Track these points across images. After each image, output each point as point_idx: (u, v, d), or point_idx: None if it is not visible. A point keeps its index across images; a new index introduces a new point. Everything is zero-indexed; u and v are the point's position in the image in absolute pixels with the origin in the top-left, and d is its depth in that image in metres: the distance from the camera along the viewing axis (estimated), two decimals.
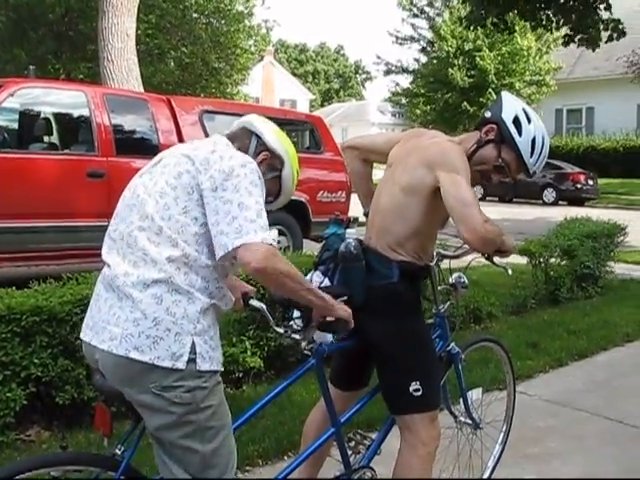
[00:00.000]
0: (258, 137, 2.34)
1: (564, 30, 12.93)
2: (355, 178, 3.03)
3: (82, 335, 2.12)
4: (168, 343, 1.97)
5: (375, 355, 2.65)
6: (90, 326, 2.09)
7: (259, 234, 2.00)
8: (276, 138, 2.36)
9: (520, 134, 2.57)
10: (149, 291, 1.99)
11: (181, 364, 1.98)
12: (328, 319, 2.32)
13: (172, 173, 2.10)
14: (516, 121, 2.58)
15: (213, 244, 2.04)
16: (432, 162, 2.49)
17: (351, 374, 2.86)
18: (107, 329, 2.01)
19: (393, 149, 2.77)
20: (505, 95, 2.71)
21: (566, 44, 12.91)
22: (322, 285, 2.58)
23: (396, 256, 2.58)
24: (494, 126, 2.60)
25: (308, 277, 2.63)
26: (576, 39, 12.45)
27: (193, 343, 2.00)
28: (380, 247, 2.60)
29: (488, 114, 2.66)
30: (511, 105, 2.63)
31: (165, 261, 2.00)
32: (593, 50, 12.58)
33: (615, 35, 12.11)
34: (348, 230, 2.63)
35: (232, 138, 2.31)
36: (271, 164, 2.33)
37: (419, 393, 2.54)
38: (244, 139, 2.33)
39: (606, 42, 12.22)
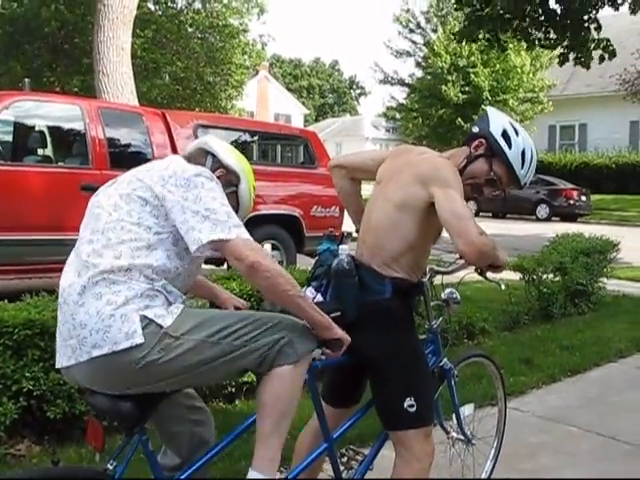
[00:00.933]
0: (213, 156, 2.41)
1: (558, 49, 13.01)
2: (344, 196, 3.03)
3: (56, 365, 2.13)
4: (117, 327, 1.98)
5: (369, 371, 2.65)
6: (58, 352, 2.12)
7: (233, 231, 2.05)
8: (230, 155, 2.44)
9: (510, 147, 2.60)
10: (88, 292, 2.02)
11: (139, 338, 1.98)
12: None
13: (126, 189, 2.16)
14: (504, 134, 2.61)
15: (183, 241, 2.08)
16: (425, 178, 2.50)
17: (344, 391, 2.85)
18: (67, 345, 2.04)
19: (382, 166, 2.78)
20: (490, 110, 2.75)
21: (562, 63, 12.98)
22: (315, 301, 2.59)
23: (390, 272, 2.58)
24: (483, 140, 2.63)
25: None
26: (570, 58, 12.54)
27: (141, 316, 2.01)
28: (374, 263, 2.59)
29: (476, 129, 2.69)
30: (498, 119, 2.67)
31: (106, 266, 2.03)
32: (587, 68, 12.66)
33: (607, 56, 12.21)
34: (341, 246, 2.63)
35: (188, 158, 2.36)
36: (228, 180, 2.40)
37: (413, 409, 2.53)
38: (200, 158, 2.39)
39: (599, 63, 12.32)
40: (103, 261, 2.04)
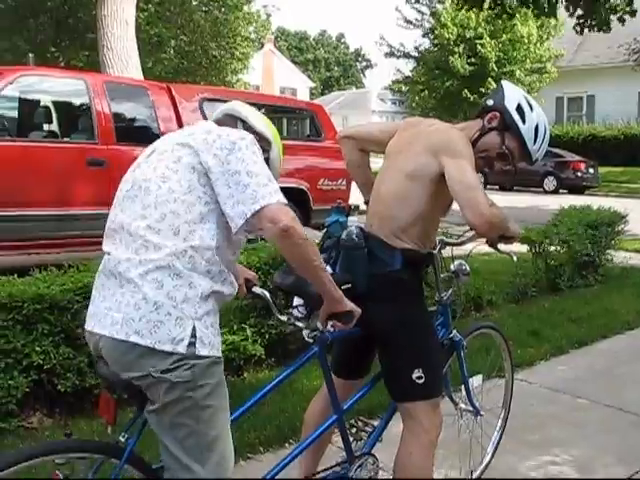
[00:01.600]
0: (243, 122, 2.36)
1: (573, 17, 12.82)
2: (353, 168, 2.99)
3: (86, 325, 2.12)
4: (169, 327, 1.97)
5: (378, 342, 2.66)
6: (92, 315, 2.09)
7: (274, 196, 2.03)
8: (261, 121, 2.39)
9: (524, 122, 2.59)
10: (150, 276, 1.99)
11: (181, 348, 1.98)
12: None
13: (171, 158, 2.12)
14: (519, 109, 2.60)
15: (228, 218, 2.04)
16: (436, 148, 2.50)
17: (352, 362, 2.86)
18: (109, 315, 2.01)
19: (392, 139, 2.77)
20: (506, 84, 2.73)
21: (580, 32, 12.79)
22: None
23: (399, 243, 2.57)
24: (497, 114, 2.62)
25: None
26: (586, 26, 12.36)
27: (194, 327, 2.00)
28: (383, 234, 2.59)
29: (490, 102, 2.67)
30: (513, 93, 2.65)
31: (167, 247, 2.00)
32: (607, 32, 12.45)
33: (629, 16, 12.01)
34: (349, 218, 2.63)
35: (219, 124, 2.31)
36: (260, 146, 2.31)
37: (422, 380, 2.54)
38: (231, 125, 2.33)
39: (621, 24, 12.11)
40: (162, 242, 2.00)
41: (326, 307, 2.29)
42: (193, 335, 2.00)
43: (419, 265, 2.69)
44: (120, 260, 2.04)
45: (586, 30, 12.80)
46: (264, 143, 2.35)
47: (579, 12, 12.32)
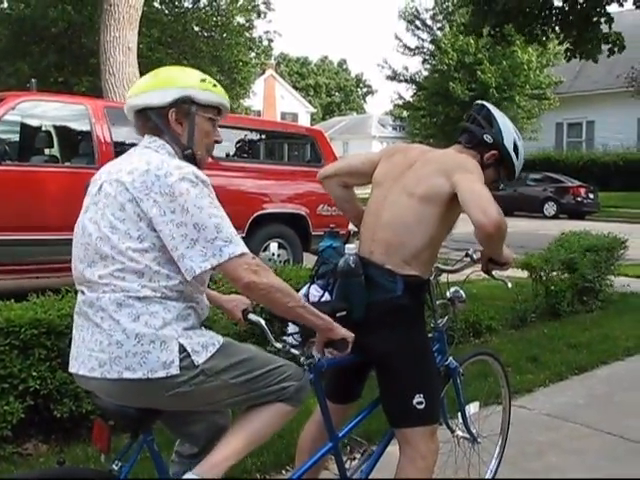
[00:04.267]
0: (151, 108, 2.16)
1: (564, 44, 12.99)
2: (341, 204, 3.02)
3: (70, 368, 2.12)
4: (156, 354, 1.98)
5: (378, 368, 2.64)
6: (75, 357, 2.09)
7: (225, 251, 1.99)
8: (160, 92, 2.15)
9: (517, 157, 2.76)
10: (124, 311, 1.99)
11: (174, 369, 1.99)
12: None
13: (115, 205, 2.04)
14: (514, 146, 2.74)
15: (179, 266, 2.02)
16: (449, 169, 2.55)
17: (347, 387, 2.86)
18: (93, 357, 2.01)
19: (380, 166, 2.79)
20: (497, 116, 2.79)
21: (569, 59, 12.98)
22: (322, 299, 2.59)
23: (406, 270, 2.56)
24: (495, 152, 2.73)
25: (303, 291, 2.64)
26: (577, 54, 12.52)
27: (180, 345, 2.02)
28: (392, 263, 2.56)
29: (489, 139, 2.74)
30: (508, 130, 2.76)
31: (134, 283, 2.01)
32: (594, 62, 12.64)
33: (616, 49, 12.18)
34: (347, 245, 2.61)
35: (138, 128, 2.23)
36: (184, 111, 2.18)
37: (422, 406, 2.53)
38: (143, 122, 2.20)
39: (608, 56, 12.29)
40: (129, 284, 2.01)
41: (319, 337, 2.31)
42: (182, 351, 2.01)
43: (421, 291, 2.69)
44: (93, 300, 2.04)
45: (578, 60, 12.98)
46: (190, 107, 2.17)
47: (570, 39, 12.47)
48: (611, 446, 4.11)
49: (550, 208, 22.47)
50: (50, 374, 3.58)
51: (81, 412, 3.67)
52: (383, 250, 2.60)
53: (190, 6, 22.66)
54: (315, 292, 2.64)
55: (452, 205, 2.51)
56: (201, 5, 22.65)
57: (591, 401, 4.89)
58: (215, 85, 2.25)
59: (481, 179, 2.49)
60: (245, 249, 2.03)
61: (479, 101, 2.95)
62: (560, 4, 12.25)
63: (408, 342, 2.58)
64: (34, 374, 3.52)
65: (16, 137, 7.05)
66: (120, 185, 2.05)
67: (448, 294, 3.04)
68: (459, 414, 3.16)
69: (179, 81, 2.18)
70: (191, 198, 1.99)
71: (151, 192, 2.00)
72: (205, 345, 2.08)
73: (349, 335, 2.32)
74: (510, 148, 2.73)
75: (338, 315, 2.38)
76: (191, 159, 2.18)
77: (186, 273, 2.00)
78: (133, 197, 2.02)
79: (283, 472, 3.52)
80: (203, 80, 2.21)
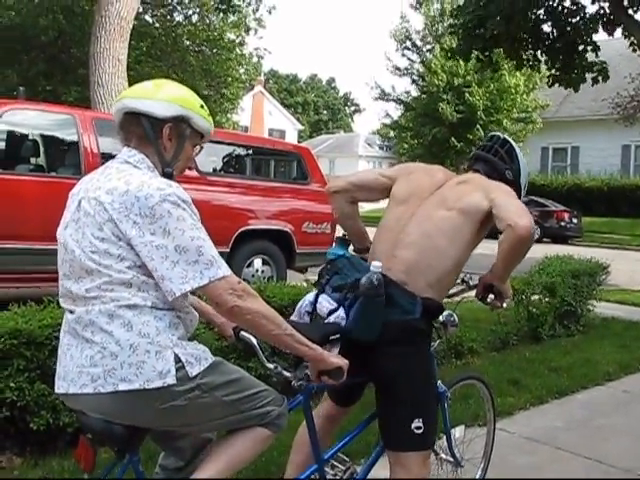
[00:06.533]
0: (147, 116, 2.14)
1: (549, 71, 13.19)
2: (345, 220, 2.98)
3: (56, 389, 2.09)
4: (152, 364, 1.96)
5: (381, 388, 2.59)
6: (63, 377, 2.06)
7: (206, 274, 1.95)
8: (164, 105, 2.14)
9: (524, 189, 2.90)
10: (116, 321, 1.97)
11: (170, 379, 1.98)
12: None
13: (95, 225, 2.02)
14: (525, 183, 2.89)
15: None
16: (486, 188, 2.63)
17: (351, 393, 2.85)
18: (84, 373, 1.98)
19: (401, 184, 2.80)
20: (519, 154, 2.88)
21: (551, 85, 13.17)
22: (338, 315, 2.46)
23: (427, 293, 2.53)
24: (514, 187, 2.78)
25: (310, 298, 2.57)
26: (560, 81, 12.71)
27: (175, 355, 2.00)
28: (413, 283, 2.52)
29: (510, 176, 2.83)
30: (524, 168, 2.88)
31: (124, 295, 1.99)
32: (575, 91, 12.83)
33: (600, 78, 12.35)
34: (374, 263, 2.43)
35: (123, 130, 2.21)
36: (179, 130, 2.19)
37: (420, 431, 2.50)
38: (135, 126, 2.17)
39: (592, 85, 12.46)
40: (118, 294, 1.99)
41: (310, 366, 2.23)
42: (178, 361, 2.00)
43: (436, 315, 2.70)
44: (82, 314, 2.02)
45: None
46: (181, 125, 2.18)
47: (556, 66, 12.65)
48: (590, 470, 4.11)
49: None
50: (28, 385, 3.53)
51: (58, 425, 3.62)
52: (404, 268, 2.55)
53: (182, 20, 22.71)
54: (327, 304, 2.51)
55: (482, 227, 2.60)
56: (193, 20, 22.69)
57: (571, 425, 4.89)
58: (209, 114, 2.28)
59: (516, 198, 2.60)
60: (227, 272, 1.99)
61: (499, 134, 2.99)
62: (549, 29, 12.42)
63: (416, 366, 2.56)
64: (12, 385, 3.47)
65: (1, 145, 7.00)
66: (99, 205, 2.03)
67: (441, 318, 3.00)
68: (444, 437, 3.15)
69: (183, 100, 2.19)
70: (172, 220, 1.97)
71: (130, 213, 1.98)
72: (198, 358, 2.07)
73: (343, 363, 2.23)
74: (523, 184, 2.84)
75: (331, 338, 2.32)
76: (169, 177, 2.16)
77: (167, 294, 1.98)
78: (112, 218, 1.99)
79: None
80: (202, 107, 2.24)
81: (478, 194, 2.60)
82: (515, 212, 2.47)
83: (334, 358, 2.23)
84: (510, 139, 2.92)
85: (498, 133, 3.00)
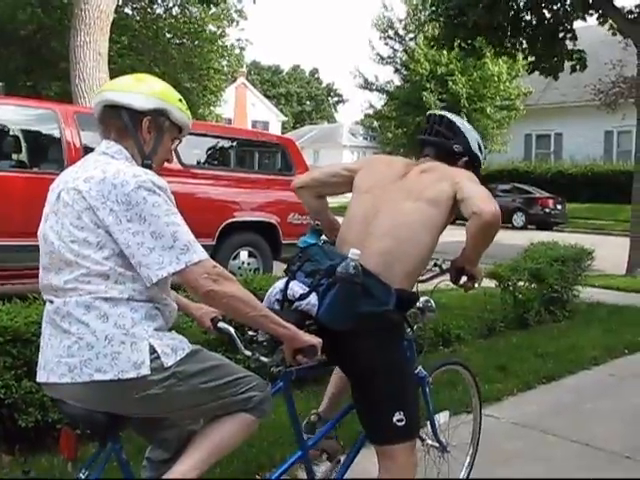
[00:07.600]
0: (127, 109, 2.17)
1: (530, 58, 13.25)
2: (313, 214, 3.06)
3: (38, 378, 2.12)
4: (127, 355, 1.98)
5: (357, 380, 2.59)
6: (43, 366, 2.09)
7: (182, 259, 1.99)
8: (143, 98, 2.18)
9: (481, 152, 2.89)
10: (92, 313, 1.99)
11: (145, 370, 1.99)
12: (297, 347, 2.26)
13: (73, 214, 2.05)
14: (479, 147, 2.87)
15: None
16: (450, 175, 2.66)
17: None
18: (62, 362, 2.01)
19: (363, 175, 2.81)
20: (463, 126, 2.88)
21: (531, 72, 13.26)
22: (310, 301, 2.44)
23: (402, 283, 2.54)
24: (467, 158, 2.83)
25: (279, 285, 2.56)
26: (539, 67, 12.78)
27: (151, 346, 2.02)
28: (389, 274, 2.50)
29: (459, 148, 2.82)
30: (472, 136, 2.87)
31: (101, 288, 2.01)
32: (555, 79, 12.91)
33: (578, 67, 12.43)
34: (352, 250, 2.40)
35: (102, 123, 2.23)
36: (158, 123, 2.23)
37: (402, 423, 2.50)
38: (114, 119, 2.19)
39: (571, 73, 12.54)
40: (95, 286, 2.02)
41: (286, 345, 2.28)
42: (153, 352, 2.01)
43: (409, 306, 2.70)
44: (60, 306, 2.04)
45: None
46: (160, 118, 2.22)
47: (536, 54, 12.73)
48: (578, 454, 4.15)
49: (519, 219, 22.75)
50: (15, 382, 3.51)
51: (47, 421, 3.61)
52: (380, 260, 2.52)
53: (162, 13, 22.58)
54: (298, 289, 2.49)
55: (451, 212, 2.62)
56: (173, 12, 22.58)
57: (558, 410, 4.93)
58: (187, 108, 2.33)
59: (479, 183, 2.63)
60: (203, 256, 2.02)
61: (435, 112, 3.00)
62: (529, 17, 12.47)
63: (392, 359, 2.55)
64: None
65: None
66: (77, 193, 2.05)
67: (418, 303, 3.02)
68: (428, 423, 3.16)
69: (162, 93, 2.24)
70: (148, 207, 2.00)
71: (107, 201, 2.00)
72: (175, 348, 2.08)
73: (316, 340, 2.27)
74: (477, 149, 2.84)
75: (307, 323, 2.35)
76: (149, 168, 2.18)
77: (145, 280, 2.01)
78: (90, 206, 2.02)
79: None
80: (180, 100, 2.29)
81: (443, 183, 2.61)
82: (480, 198, 2.51)
83: (307, 336, 2.28)
84: (445, 112, 2.92)
85: (434, 111, 3.01)
